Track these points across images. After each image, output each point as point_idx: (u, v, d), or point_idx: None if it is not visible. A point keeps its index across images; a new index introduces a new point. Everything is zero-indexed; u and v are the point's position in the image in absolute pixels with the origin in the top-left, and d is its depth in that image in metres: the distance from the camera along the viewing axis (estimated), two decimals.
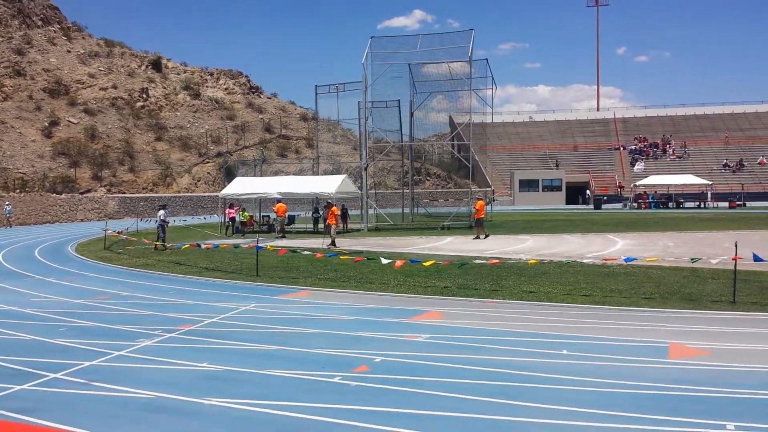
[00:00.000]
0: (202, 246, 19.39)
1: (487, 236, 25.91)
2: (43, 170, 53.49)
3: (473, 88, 37.25)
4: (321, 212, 31.91)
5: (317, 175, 39.05)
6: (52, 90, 67.65)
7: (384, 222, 36.25)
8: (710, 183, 58.99)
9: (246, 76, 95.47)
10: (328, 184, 31.63)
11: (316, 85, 39.65)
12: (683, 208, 55.18)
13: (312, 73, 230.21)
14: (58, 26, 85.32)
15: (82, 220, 47.05)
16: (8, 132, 57.71)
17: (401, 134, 42.07)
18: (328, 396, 6.58)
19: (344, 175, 34.53)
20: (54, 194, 47.87)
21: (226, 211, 30.02)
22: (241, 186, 33.50)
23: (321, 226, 25.19)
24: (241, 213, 29.98)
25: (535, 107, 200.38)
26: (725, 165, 74.68)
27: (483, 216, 26.74)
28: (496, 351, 8.28)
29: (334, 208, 23.78)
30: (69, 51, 78.85)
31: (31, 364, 7.91)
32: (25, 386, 7.02)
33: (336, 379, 7.14)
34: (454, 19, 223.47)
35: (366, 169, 34.65)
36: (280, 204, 29.57)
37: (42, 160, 55.40)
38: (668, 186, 60.07)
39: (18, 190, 47.66)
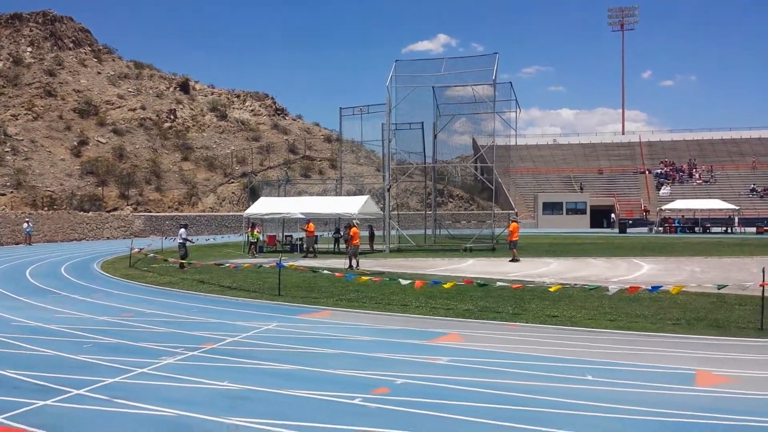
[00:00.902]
0: (225, 265, 19.44)
1: (514, 260, 25.55)
2: (72, 189, 54.30)
3: (497, 111, 37.27)
4: (342, 233, 31.98)
5: (340, 195, 39.22)
6: (81, 110, 68.91)
7: (406, 243, 36.22)
8: (737, 208, 58.16)
9: (272, 98, 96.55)
10: (351, 205, 31.74)
11: (340, 107, 40.02)
12: (710, 233, 54.42)
13: (337, 95, 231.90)
14: (89, 48, 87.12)
15: (108, 237, 47.59)
16: (38, 151, 58.77)
17: (424, 156, 42.14)
18: (349, 417, 6.54)
19: (367, 196, 34.63)
20: (81, 212, 48.53)
21: (257, 230, 30.22)
22: (264, 206, 33.75)
23: (342, 246, 25.26)
24: (251, 234, 29.89)
25: (559, 130, 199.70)
26: (753, 190, 73.65)
27: (517, 238, 26.35)
28: (518, 375, 8.18)
29: (354, 229, 23.74)
30: (99, 72, 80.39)
31: (54, 379, 7.97)
32: (48, 402, 7.07)
33: (356, 401, 7.10)
34: (478, 43, 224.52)
35: (389, 190, 34.72)
36: (310, 223, 29.73)
37: (70, 179, 56.27)
38: (694, 210, 59.33)
39: (46, 208, 48.40)
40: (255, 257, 27.82)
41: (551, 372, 8.32)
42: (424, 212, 49.17)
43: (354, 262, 23.06)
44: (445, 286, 14.17)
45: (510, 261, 25.45)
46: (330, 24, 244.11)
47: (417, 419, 6.49)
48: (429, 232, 42.86)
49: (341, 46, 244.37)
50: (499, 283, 14.29)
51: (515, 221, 27.59)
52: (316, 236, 30.36)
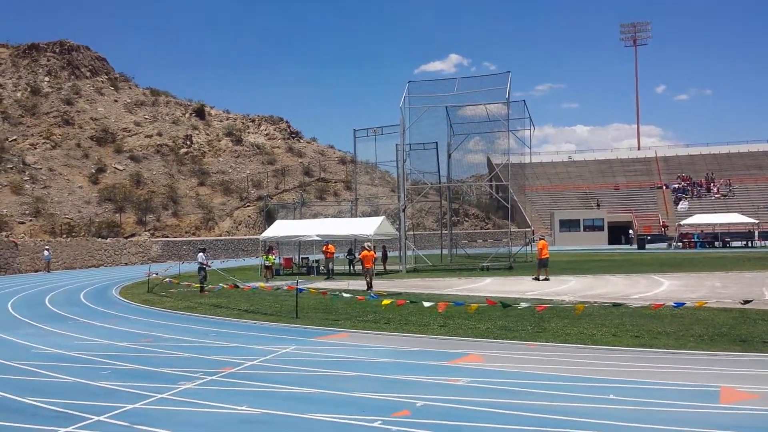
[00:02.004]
0: (241, 287, 19.46)
1: (537, 278, 25.06)
2: (90, 216, 54.79)
3: (511, 129, 37.29)
4: (355, 255, 31.99)
5: (356, 217, 39.25)
6: (99, 138, 69.75)
7: (422, 263, 36.13)
8: (757, 221, 57.57)
9: (286, 122, 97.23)
10: (367, 226, 31.76)
11: (354, 129, 40.19)
12: (730, 247, 53.87)
13: (350, 117, 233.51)
14: (106, 77, 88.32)
15: (126, 263, 47.90)
16: (56, 179, 59.45)
17: (439, 175, 42.18)
18: None
19: (383, 217, 34.64)
20: (99, 239, 48.93)
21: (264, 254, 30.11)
22: (280, 229, 33.85)
23: (358, 267, 25.24)
24: (265, 257, 29.83)
25: (573, 147, 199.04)
26: None
27: (545, 257, 25.44)
28: (540, 396, 8.08)
29: (365, 252, 23.63)
30: (116, 100, 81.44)
31: (74, 406, 7.98)
32: (69, 429, 7.07)
33: (377, 424, 7.04)
34: (490, 62, 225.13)
35: (404, 210, 34.73)
36: (330, 245, 29.73)
37: (88, 206, 56.80)
38: (714, 225, 58.79)
39: (65, 235, 48.83)
40: (269, 281, 27.70)
41: (573, 392, 8.21)
42: (440, 232, 49.11)
43: (368, 282, 22.98)
44: (471, 308, 14.04)
45: (534, 279, 25.06)
46: (342, 46, 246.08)
47: None
48: (445, 251, 42.80)
49: (354, 68, 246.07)
50: (522, 304, 14.17)
51: (543, 239, 27.13)
52: (333, 258, 30.33)
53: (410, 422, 7.06)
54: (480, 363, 10.19)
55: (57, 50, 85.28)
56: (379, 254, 30.97)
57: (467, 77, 38.57)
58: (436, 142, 41.29)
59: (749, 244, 54.58)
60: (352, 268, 32.79)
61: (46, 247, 41.44)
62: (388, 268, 32.87)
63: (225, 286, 20.34)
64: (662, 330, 12.56)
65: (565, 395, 8.05)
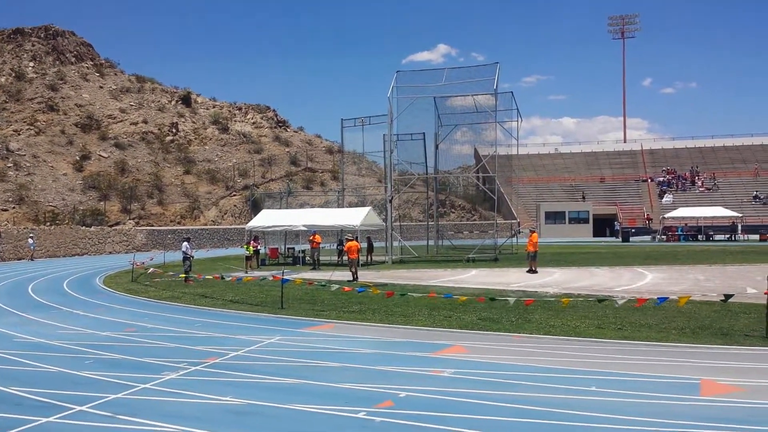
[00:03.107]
0: (227, 278, 19.41)
1: (529, 271, 24.92)
2: (74, 203, 54.37)
3: (498, 121, 37.32)
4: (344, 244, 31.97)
5: (342, 207, 39.22)
6: (84, 125, 69.15)
7: (408, 254, 36.17)
8: (740, 215, 58.08)
9: (273, 111, 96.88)
10: (353, 217, 31.74)
11: (342, 119, 40.09)
12: (713, 240, 54.31)
13: (338, 106, 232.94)
14: (91, 63, 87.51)
15: (110, 252, 47.61)
16: (40, 166, 58.91)
17: (426, 166, 42.17)
18: (353, 431, 6.51)
19: (369, 208, 34.64)
20: (83, 227, 48.57)
21: (251, 243, 29.85)
22: (267, 218, 33.76)
23: (345, 258, 25.23)
24: (245, 247, 29.63)
25: (560, 139, 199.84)
26: (755, 197, 73.55)
27: (532, 249, 25.18)
28: (523, 387, 8.13)
29: (350, 243, 23.55)
30: (101, 87, 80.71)
31: (57, 396, 7.94)
32: (51, 419, 7.04)
33: (360, 415, 7.06)
34: (478, 53, 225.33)
35: (391, 201, 34.72)
36: (317, 235, 29.64)
37: (73, 194, 56.36)
38: (697, 218, 59.22)
39: (48, 223, 48.44)
40: (249, 271, 27.42)
41: (555, 383, 8.27)
42: (426, 223, 49.15)
43: (353, 273, 22.96)
44: (460, 300, 14.12)
45: (527, 271, 24.91)
46: (330, 36, 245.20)
47: None
48: (431, 242, 42.84)
49: (342, 58, 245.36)
50: (510, 298, 14.23)
51: (535, 231, 26.91)
52: (320, 248, 30.24)
53: (394, 413, 7.09)
54: (464, 354, 10.23)
55: (42, 35, 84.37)
56: (364, 245, 30.93)
57: (455, 68, 38.52)
58: (424, 133, 41.31)
59: (732, 238, 55.06)
60: (340, 259, 32.76)
61: (31, 234, 41.10)
62: (374, 258, 32.86)
63: (209, 277, 20.29)
64: (645, 322, 12.67)
65: (547, 387, 8.11)
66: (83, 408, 7.43)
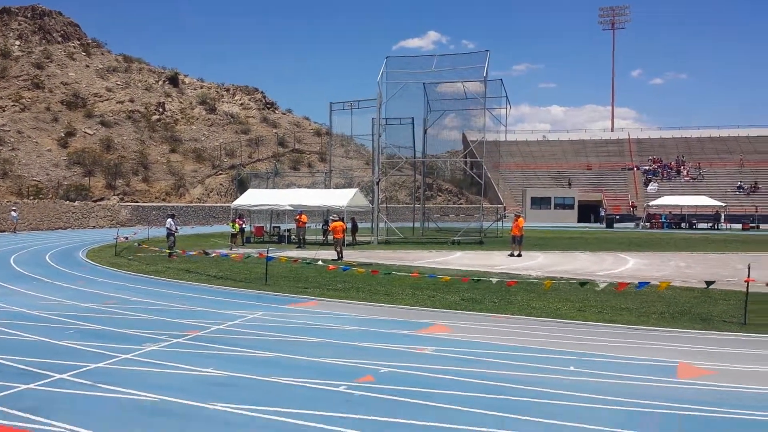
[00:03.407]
0: (211, 254, 19.36)
1: (512, 254, 24.92)
2: (58, 178, 53.92)
3: (487, 107, 37.31)
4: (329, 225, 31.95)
5: (329, 188, 39.15)
6: (69, 102, 68.36)
7: (394, 235, 36.21)
8: (724, 205, 58.56)
9: (261, 92, 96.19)
10: (340, 198, 31.72)
11: (330, 102, 39.92)
12: (696, 229, 54.77)
13: (327, 90, 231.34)
14: (78, 42, 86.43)
15: (94, 227, 47.32)
16: (25, 141, 58.28)
17: (414, 150, 42.14)
18: (332, 405, 6.55)
19: (356, 189, 34.62)
20: (67, 201, 48.20)
21: (236, 221, 29.74)
22: (253, 197, 33.65)
23: (330, 237, 25.20)
24: (231, 224, 29.57)
25: (548, 127, 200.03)
26: (739, 187, 74.17)
27: (517, 234, 25.04)
28: (503, 366, 8.22)
29: (336, 223, 23.57)
30: (88, 66, 79.74)
31: (37, 364, 7.94)
32: (31, 386, 7.04)
33: (341, 389, 7.11)
34: (468, 41, 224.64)
35: (378, 183, 34.71)
36: (303, 215, 29.60)
37: (57, 169, 55.86)
38: (681, 207, 59.66)
39: (32, 197, 48.03)
40: (233, 248, 27.34)
41: (535, 362, 8.37)
42: (413, 205, 49.16)
43: (338, 252, 23.03)
44: (443, 279, 14.21)
45: (510, 255, 24.83)
46: (321, 19, 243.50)
47: (401, 407, 6.51)
48: (417, 224, 42.89)
49: (332, 42, 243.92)
50: (493, 279, 14.31)
51: (519, 215, 26.77)
52: (305, 228, 30.23)
53: (374, 387, 7.15)
54: (446, 333, 10.30)
55: (29, 15, 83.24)
56: (349, 225, 30.92)
57: (446, 54, 38.43)
58: (413, 118, 41.21)
59: (715, 227, 55.54)
60: (325, 238, 32.75)
61: (13, 207, 40.73)
62: (358, 239, 32.87)
63: (193, 253, 20.24)
64: (626, 306, 12.80)
65: (526, 365, 8.20)
66: (63, 376, 7.44)
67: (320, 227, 34.73)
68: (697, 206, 59.03)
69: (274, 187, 40.66)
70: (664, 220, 56.78)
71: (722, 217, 57.27)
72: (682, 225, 56.54)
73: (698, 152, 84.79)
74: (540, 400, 6.78)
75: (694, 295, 14.30)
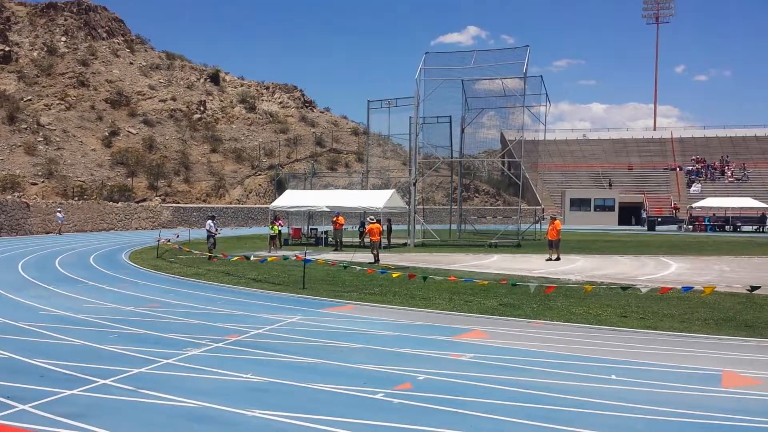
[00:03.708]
0: (251, 258, 19.55)
1: (550, 259, 24.38)
2: (102, 179, 55.04)
3: (526, 105, 36.99)
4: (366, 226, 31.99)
5: (366, 189, 39.23)
6: (113, 101, 69.79)
7: (431, 238, 36.14)
8: None
9: (300, 90, 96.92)
10: (377, 199, 31.77)
11: (368, 100, 39.89)
12: (741, 231, 53.55)
13: (365, 88, 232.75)
14: (122, 38, 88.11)
15: (136, 228, 48.20)
16: (70, 141, 59.65)
17: (451, 150, 41.96)
18: (371, 412, 6.55)
19: (393, 190, 34.61)
20: (111, 202, 49.19)
21: (275, 223, 29.86)
22: (291, 198, 33.90)
23: (367, 240, 25.22)
24: (270, 227, 29.61)
25: (588, 125, 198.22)
26: None
27: (554, 237, 24.59)
28: (542, 373, 8.12)
29: (372, 225, 23.57)
30: (131, 63, 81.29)
31: (81, 369, 8.09)
32: (75, 391, 7.18)
33: (379, 396, 7.11)
34: (508, 35, 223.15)
35: (415, 184, 34.66)
36: (340, 216, 29.69)
37: (101, 169, 57.04)
38: (725, 209, 58.39)
39: (76, 198, 49.12)
40: (272, 251, 27.48)
41: (575, 371, 8.25)
42: (449, 207, 49.00)
43: (375, 255, 23.00)
44: (480, 283, 14.11)
45: (548, 260, 24.25)
46: (359, 16, 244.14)
47: (439, 416, 6.48)
48: (454, 227, 42.74)
49: (370, 39, 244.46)
50: (532, 284, 14.16)
51: (555, 218, 26.13)
52: (342, 230, 30.33)
53: (412, 395, 7.13)
54: (484, 339, 10.23)
55: (74, 10, 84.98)
56: (384, 227, 30.94)
57: (484, 50, 38.22)
58: (450, 116, 41.00)
59: (760, 230, 54.22)
60: (362, 240, 32.83)
61: (59, 209, 41.71)
62: (393, 241, 32.88)
63: (234, 259, 20.46)
64: (668, 312, 12.56)
65: (566, 374, 8.08)
66: (107, 381, 7.57)
67: (357, 229, 34.81)
68: (741, 208, 57.70)
69: (311, 188, 40.92)
70: (707, 223, 55.62)
71: None
72: (726, 228, 55.32)
73: (743, 152, 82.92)
74: (581, 409, 6.68)
75: (739, 301, 13.97)
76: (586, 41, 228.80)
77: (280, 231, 30.25)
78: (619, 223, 69.03)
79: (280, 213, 33.41)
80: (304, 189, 39.72)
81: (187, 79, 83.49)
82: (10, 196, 42.66)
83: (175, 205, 54.13)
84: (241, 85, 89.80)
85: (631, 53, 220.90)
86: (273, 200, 39.06)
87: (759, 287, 12.20)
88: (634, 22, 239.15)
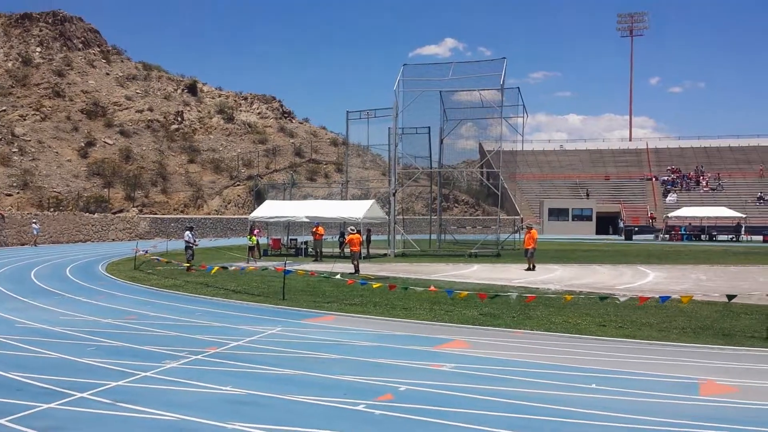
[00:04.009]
0: (230, 269, 19.41)
1: (528, 269, 24.29)
2: (78, 190, 54.44)
3: (504, 116, 37.24)
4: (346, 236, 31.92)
5: (346, 199, 39.20)
6: (89, 111, 69.17)
7: (411, 248, 36.16)
8: (744, 216, 57.92)
9: (279, 101, 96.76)
10: (357, 209, 31.75)
11: (347, 111, 39.96)
12: (716, 240, 54.23)
13: (344, 99, 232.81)
14: (98, 49, 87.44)
15: (113, 239, 47.70)
16: (45, 151, 58.98)
17: (430, 160, 42.10)
18: (352, 424, 6.52)
19: (372, 201, 34.61)
20: (87, 213, 48.65)
21: (253, 233, 29.61)
22: (270, 209, 33.77)
23: (347, 250, 25.15)
24: (249, 237, 29.51)
25: (565, 136, 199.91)
26: (760, 198, 73.36)
27: (530, 246, 24.59)
28: (523, 383, 8.14)
29: (353, 236, 23.51)
30: (108, 73, 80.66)
31: (58, 382, 7.97)
32: (52, 405, 7.07)
33: (360, 407, 7.07)
34: (485, 48, 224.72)
35: (394, 194, 34.70)
36: (320, 227, 29.62)
37: (77, 180, 56.43)
38: (701, 218, 59.11)
39: (52, 209, 48.53)
40: (251, 261, 27.32)
41: (555, 380, 8.28)
42: (429, 217, 49.10)
43: (355, 265, 22.93)
44: (461, 295, 14.12)
45: (526, 270, 24.18)
46: (337, 28, 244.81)
47: (421, 426, 6.47)
48: (434, 237, 42.80)
49: (348, 50, 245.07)
50: (512, 294, 14.20)
51: (531, 227, 26.19)
52: (322, 240, 30.24)
53: (393, 406, 7.10)
54: (465, 349, 10.24)
55: (50, 20, 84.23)
56: (363, 237, 30.87)
57: (462, 62, 38.47)
58: (429, 127, 41.20)
59: (735, 239, 54.95)
60: (342, 251, 32.75)
61: (34, 220, 41.16)
62: (376, 252, 32.85)
63: (213, 269, 20.30)
64: (646, 321, 12.66)
65: (547, 383, 8.11)
66: (84, 395, 7.46)
67: (337, 239, 34.74)
68: (717, 218, 58.45)
69: (290, 198, 40.82)
70: (683, 232, 56.26)
71: (743, 228, 56.59)
72: (702, 237, 55.99)
73: (717, 162, 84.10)
74: (562, 419, 6.70)
75: (716, 309, 14.12)
76: (562, 54, 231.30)
77: (258, 241, 30.08)
78: (597, 233, 69.57)
79: (258, 223, 33.22)
80: (284, 199, 39.60)
81: (164, 89, 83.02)
82: None
83: (152, 216, 53.67)
84: (219, 96, 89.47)
85: (606, 65, 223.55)
86: (252, 211, 38.87)
87: (735, 296, 12.35)
88: (608, 35, 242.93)
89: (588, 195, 78.68)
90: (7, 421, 6.50)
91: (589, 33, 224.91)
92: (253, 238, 29.14)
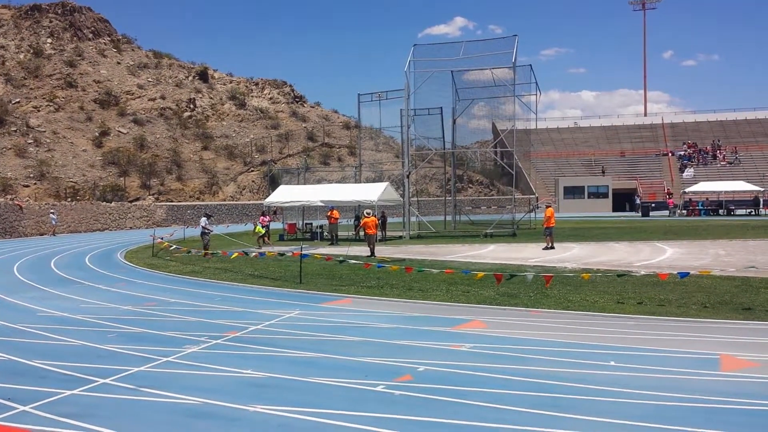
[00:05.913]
0: (249, 254, 19.51)
1: (549, 248, 24.11)
2: (94, 179, 54.82)
3: (516, 95, 36.99)
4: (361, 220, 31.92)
5: (360, 182, 39.19)
6: (102, 101, 69.37)
7: (426, 229, 36.15)
8: (762, 189, 57.30)
9: (290, 86, 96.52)
10: (371, 192, 31.74)
11: (358, 94, 39.87)
12: (734, 215, 53.71)
13: (355, 81, 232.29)
14: (109, 39, 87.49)
15: (130, 227, 48.07)
16: (60, 142, 59.33)
17: (443, 141, 41.94)
18: (372, 405, 6.56)
19: (387, 183, 34.59)
20: (104, 203, 49.01)
21: (260, 219, 28.99)
22: (284, 194, 33.87)
23: (362, 233, 25.09)
24: (256, 227, 28.59)
25: (579, 113, 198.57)
26: None
27: (552, 225, 24.60)
28: (541, 361, 8.15)
29: (368, 219, 23.45)
30: (119, 63, 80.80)
31: (81, 369, 8.08)
32: (75, 391, 7.17)
33: (379, 388, 7.12)
34: (496, 26, 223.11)
35: (408, 176, 34.64)
36: (335, 210, 29.59)
37: (93, 170, 56.79)
38: (719, 193, 58.55)
39: (69, 199, 48.92)
40: (264, 247, 26.96)
41: (574, 358, 8.28)
42: (443, 198, 49.01)
43: (371, 248, 22.93)
44: (477, 276, 14.11)
45: (544, 249, 24.11)
46: (347, 10, 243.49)
47: (440, 406, 6.50)
48: (449, 218, 42.75)
49: (358, 33, 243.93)
50: (529, 274, 14.15)
51: (549, 206, 26.16)
52: (337, 223, 30.26)
53: (412, 386, 7.14)
54: (482, 329, 10.25)
55: (59, 11, 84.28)
56: (379, 220, 30.83)
57: (473, 41, 38.25)
58: (441, 108, 40.97)
59: (754, 213, 54.40)
60: (357, 234, 32.79)
61: (52, 210, 41.52)
62: (392, 234, 32.87)
63: (234, 255, 20.43)
64: (665, 297, 12.60)
65: (566, 361, 8.11)
66: (107, 381, 7.56)
67: (352, 222, 34.78)
68: (734, 192, 57.88)
69: (304, 183, 40.89)
70: (701, 207, 55.78)
71: (761, 202, 55.97)
72: (720, 211, 55.48)
73: (734, 135, 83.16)
74: (581, 396, 6.71)
75: (735, 284, 14.03)
76: (574, 29, 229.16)
77: (267, 226, 29.12)
78: (613, 210, 69.18)
79: (267, 210, 33.13)
80: (298, 184, 39.67)
81: (176, 77, 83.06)
82: (2, 199, 42.46)
83: (168, 203, 53.97)
84: (230, 82, 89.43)
85: (619, 40, 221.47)
86: (267, 196, 38.99)
87: (754, 267, 12.25)
88: (621, 9, 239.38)
89: (604, 172, 78.13)
90: (32, 408, 6.61)
91: (601, 7, 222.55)
92: (260, 228, 28.22)
